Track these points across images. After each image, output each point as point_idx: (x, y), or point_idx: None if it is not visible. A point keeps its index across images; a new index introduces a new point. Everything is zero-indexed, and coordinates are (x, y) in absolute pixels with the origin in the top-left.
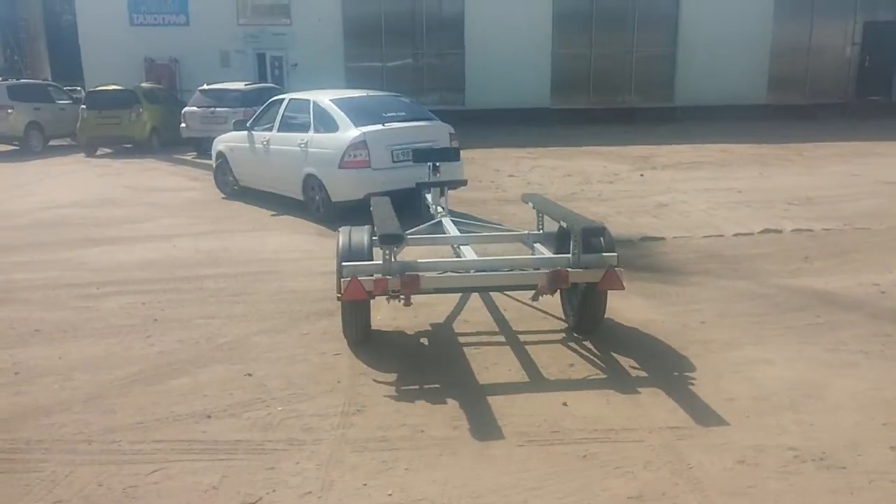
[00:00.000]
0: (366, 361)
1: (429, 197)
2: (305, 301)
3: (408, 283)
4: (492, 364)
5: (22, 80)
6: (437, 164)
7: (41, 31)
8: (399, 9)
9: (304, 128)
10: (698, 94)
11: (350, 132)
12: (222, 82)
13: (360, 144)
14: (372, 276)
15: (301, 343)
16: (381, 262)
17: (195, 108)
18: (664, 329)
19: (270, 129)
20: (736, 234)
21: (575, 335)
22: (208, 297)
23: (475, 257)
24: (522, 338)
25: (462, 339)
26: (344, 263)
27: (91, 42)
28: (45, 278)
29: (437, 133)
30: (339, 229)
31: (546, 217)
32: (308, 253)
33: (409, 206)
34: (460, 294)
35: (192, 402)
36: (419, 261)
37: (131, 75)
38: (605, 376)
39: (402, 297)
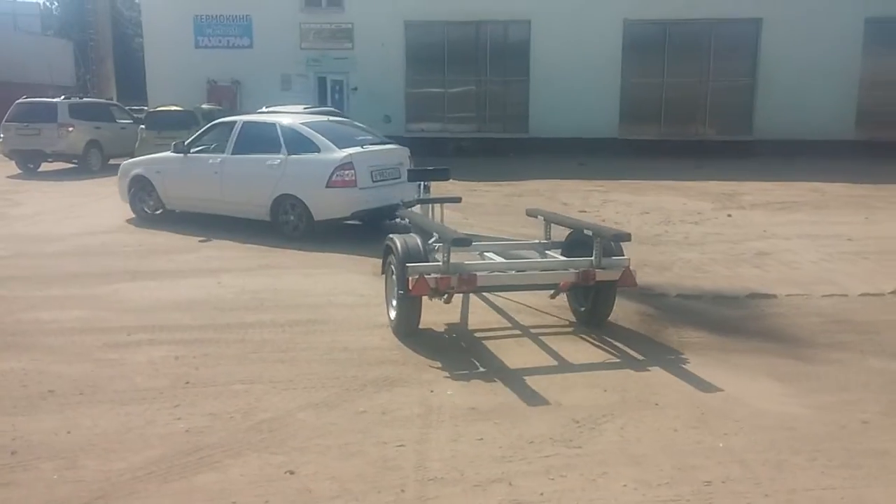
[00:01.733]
0: (427, 355)
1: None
2: (361, 364)
3: (466, 281)
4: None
5: (84, 99)
6: (428, 183)
7: (109, 52)
8: (463, 35)
9: (271, 150)
10: (779, 128)
11: (335, 153)
12: (282, 105)
13: (348, 165)
14: (435, 275)
15: (356, 426)
16: (439, 263)
17: None
18: (815, 432)
19: (221, 152)
20: (863, 294)
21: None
22: (250, 352)
23: (502, 261)
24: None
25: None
26: (409, 265)
27: (156, 63)
28: (74, 319)
29: (401, 155)
30: (391, 237)
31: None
32: (363, 298)
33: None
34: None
35: None
36: (466, 262)
37: (194, 96)
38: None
39: (445, 295)
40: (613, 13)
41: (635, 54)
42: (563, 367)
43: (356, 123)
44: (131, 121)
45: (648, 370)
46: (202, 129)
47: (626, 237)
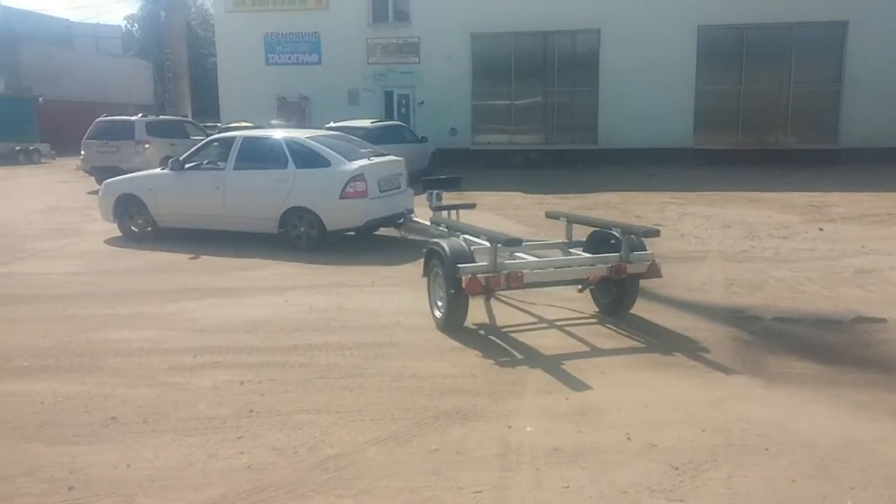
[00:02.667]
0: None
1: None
2: (432, 393)
3: (514, 279)
4: None
5: (160, 117)
6: (439, 191)
7: (185, 71)
8: (530, 46)
9: (277, 164)
10: (867, 135)
11: (346, 166)
12: (349, 120)
13: (360, 177)
14: (486, 274)
15: (428, 466)
16: (484, 264)
17: None
18: None
19: (221, 168)
20: None
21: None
22: (317, 378)
23: (535, 259)
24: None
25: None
26: (460, 265)
27: (229, 81)
28: (142, 339)
29: (400, 167)
30: (436, 241)
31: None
32: (431, 319)
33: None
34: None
35: None
36: (508, 261)
37: (264, 113)
38: None
39: (488, 293)
40: (687, 19)
41: (710, 60)
42: (648, 396)
43: (352, 137)
44: (204, 137)
45: (749, 400)
46: (196, 146)
47: (656, 233)
